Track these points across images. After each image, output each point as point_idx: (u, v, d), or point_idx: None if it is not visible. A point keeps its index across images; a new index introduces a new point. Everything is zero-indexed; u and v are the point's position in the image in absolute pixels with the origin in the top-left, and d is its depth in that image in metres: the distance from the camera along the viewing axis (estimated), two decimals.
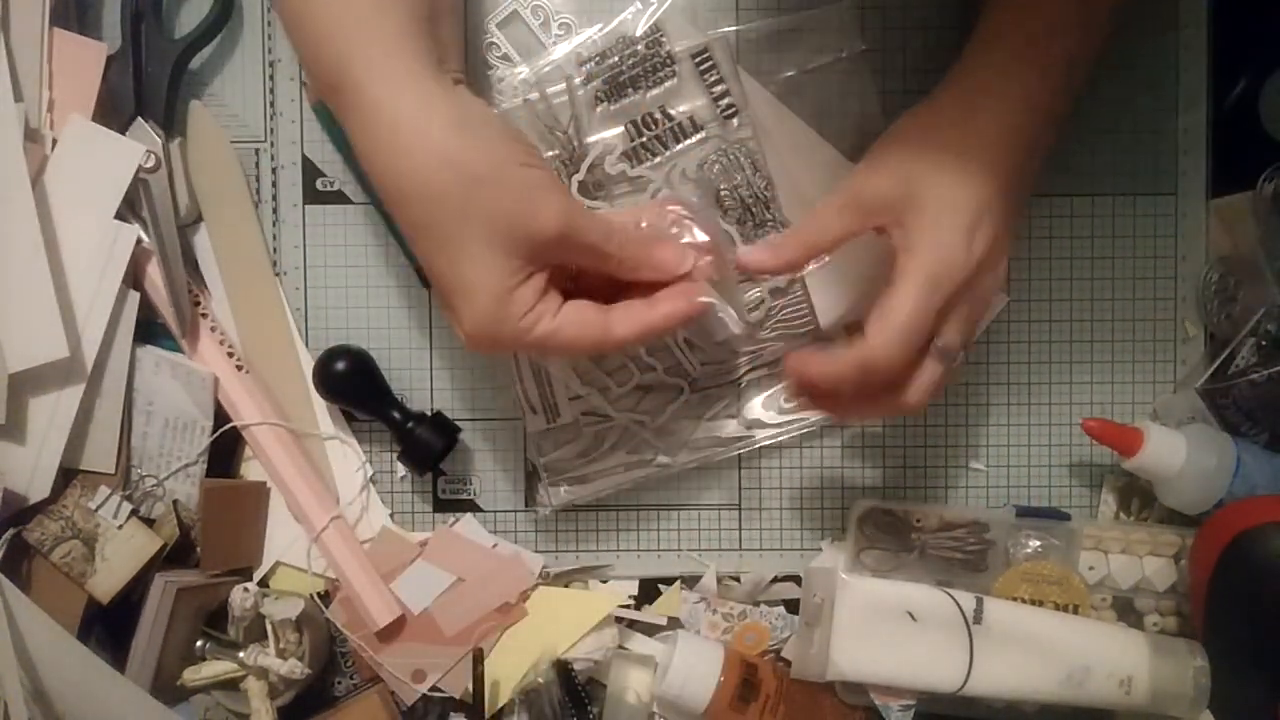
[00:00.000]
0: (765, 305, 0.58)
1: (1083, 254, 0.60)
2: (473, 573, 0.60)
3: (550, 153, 0.57)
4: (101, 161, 0.56)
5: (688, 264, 0.50)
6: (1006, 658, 0.55)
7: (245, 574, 0.60)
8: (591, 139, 0.57)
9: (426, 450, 0.58)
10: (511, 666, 0.58)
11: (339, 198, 0.60)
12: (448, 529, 0.61)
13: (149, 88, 0.57)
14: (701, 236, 0.52)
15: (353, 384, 0.58)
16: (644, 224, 0.52)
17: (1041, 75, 0.50)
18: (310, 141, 0.60)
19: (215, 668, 0.56)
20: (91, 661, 0.53)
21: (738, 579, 0.62)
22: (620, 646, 0.60)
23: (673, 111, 0.57)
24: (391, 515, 0.61)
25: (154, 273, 0.57)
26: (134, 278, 0.57)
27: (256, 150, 0.60)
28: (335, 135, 0.59)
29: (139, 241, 0.57)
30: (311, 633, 0.57)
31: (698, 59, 0.57)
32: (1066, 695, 0.55)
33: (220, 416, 0.59)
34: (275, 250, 0.60)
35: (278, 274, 0.60)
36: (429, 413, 0.59)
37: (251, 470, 0.60)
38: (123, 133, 0.56)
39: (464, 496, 0.62)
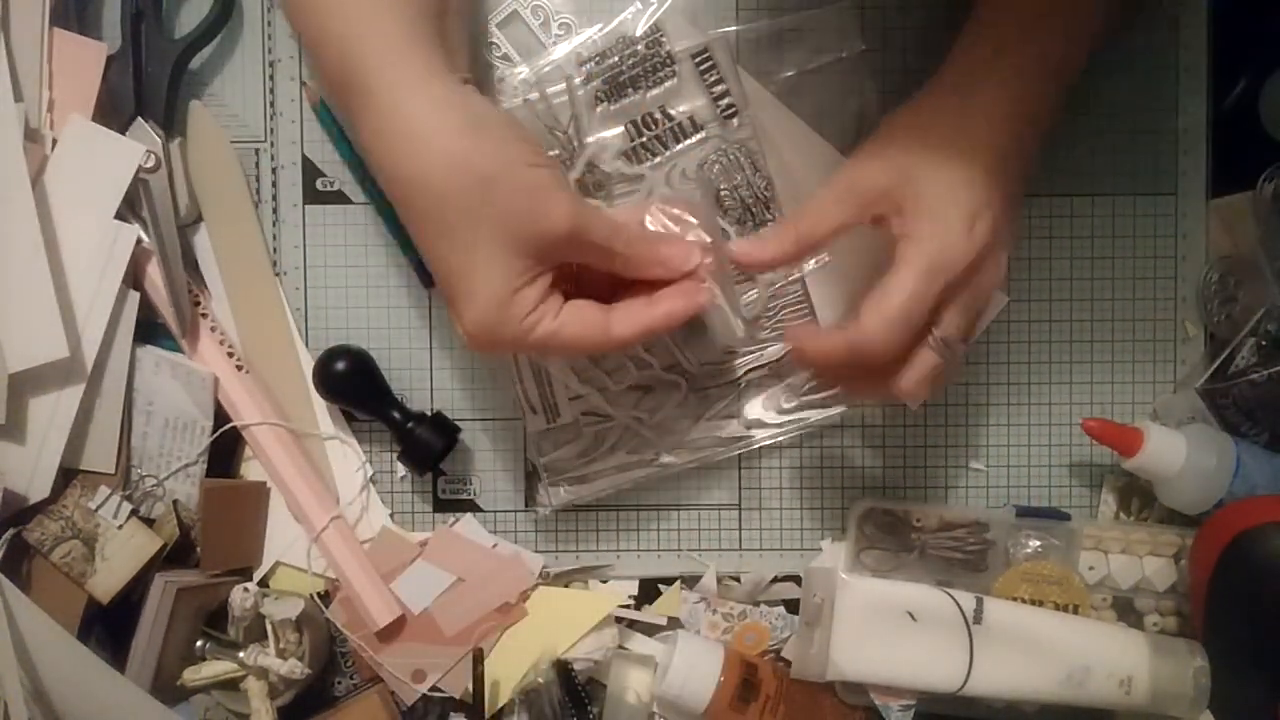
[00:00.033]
0: (762, 301, 0.58)
1: (1083, 254, 0.60)
2: (473, 573, 0.60)
3: (551, 153, 0.57)
4: (101, 161, 0.56)
5: (695, 260, 0.50)
6: (1006, 658, 0.55)
7: (245, 574, 0.60)
8: (591, 139, 0.57)
9: (426, 450, 0.58)
10: (511, 666, 0.58)
11: (339, 198, 0.60)
12: (448, 529, 0.61)
13: (149, 88, 0.57)
14: (702, 236, 0.52)
15: (353, 384, 0.58)
16: (648, 222, 0.52)
17: (1031, 65, 0.50)
18: (310, 141, 0.60)
19: (215, 668, 0.56)
20: (91, 661, 0.53)
21: (738, 579, 0.62)
22: (620, 646, 0.60)
23: (673, 111, 0.57)
24: (391, 515, 0.61)
25: (154, 273, 0.57)
26: (134, 278, 0.57)
27: (256, 150, 0.60)
28: (335, 135, 0.59)
29: (139, 241, 0.57)
30: (311, 633, 0.57)
31: (698, 59, 0.57)
32: (1066, 695, 0.55)
33: (220, 416, 0.59)
34: (275, 250, 0.60)
35: (278, 274, 0.60)
36: (429, 413, 0.59)
37: (251, 470, 0.60)
38: (123, 133, 0.56)
39: (464, 496, 0.62)
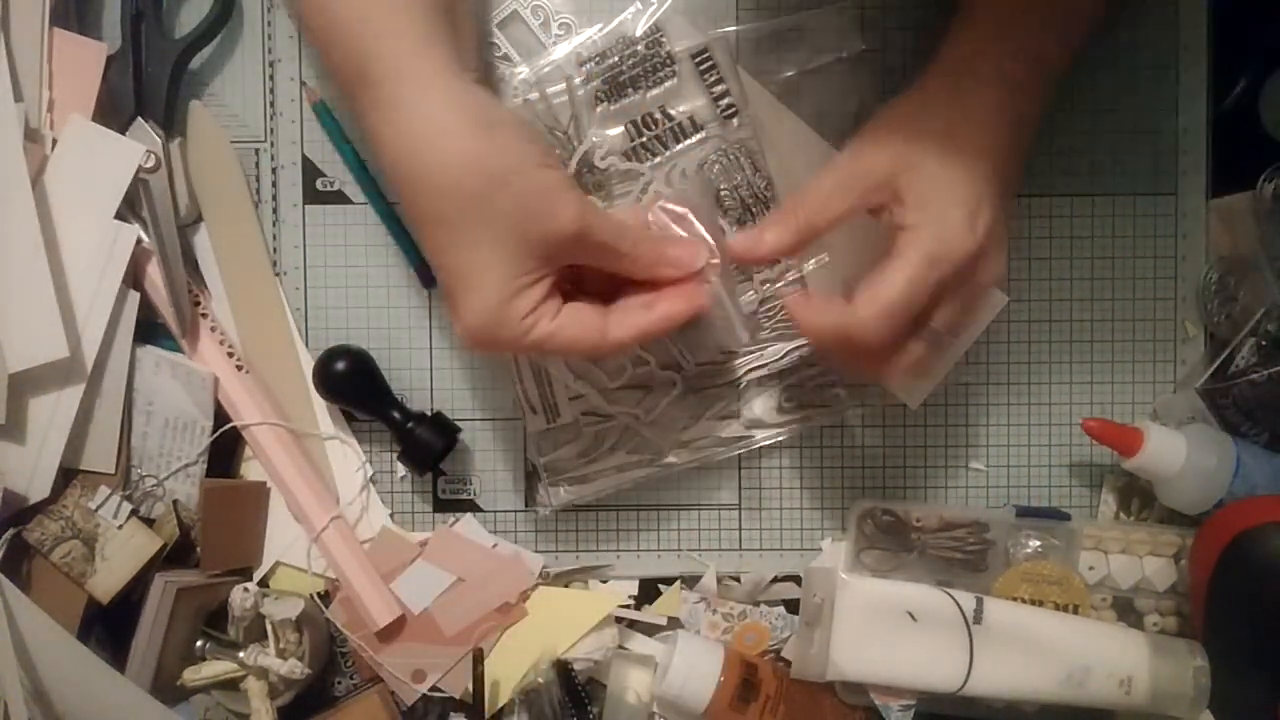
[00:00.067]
0: (757, 299, 0.58)
1: (1083, 254, 0.60)
2: (473, 573, 0.60)
3: None
4: (101, 161, 0.56)
5: (703, 260, 0.50)
6: (1006, 658, 0.55)
7: (245, 574, 0.60)
8: (590, 139, 0.57)
9: (426, 450, 0.58)
10: (511, 666, 0.58)
11: (339, 198, 0.60)
12: (448, 529, 0.61)
13: (149, 88, 0.57)
14: (704, 234, 0.52)
15: (353, 384, 0.58)
16: (651, 221, 0.52)
17: (1016, 63, 0.50)
18: (310, 141, 0.60)
19: (215, 668, 0.56)
20: (91, 661, 0.53)
21: (738, 579, 0.62)
22: (620, 646, 0.60)
23: (673, 111, 0.57)
24: (391, 515, 0.61)
25: (154, 273, 0.57)
26: (134, 278, 0.57)
27: (256, 150, 0.60)
28: (335, 135, 0.59)
29: (139, 241, 0.57)
30: (311, 633, 0.57)
31: (698, 59, 0.57)
32: (1066, 695, 0.55)
33: (220, 416, 0.59)
34: (275, 250, 0.60)
35: (278, 274, 0.60)
36: (429, 413, 0.59)
37: (251, 470, 0.60)
38: (123, 133, 0.56)
39: (464, 496, 0.62)
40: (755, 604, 0.61)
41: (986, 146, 0.49)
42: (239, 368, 0.59)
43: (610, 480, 0.60)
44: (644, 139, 0.57)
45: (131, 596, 0.56)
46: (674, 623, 0.61)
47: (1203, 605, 0.55)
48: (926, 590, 0.57)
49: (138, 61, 0.57)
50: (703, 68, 0.57)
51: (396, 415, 0.58)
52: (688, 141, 0.57)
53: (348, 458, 0.61)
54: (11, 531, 0.55)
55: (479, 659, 0.57)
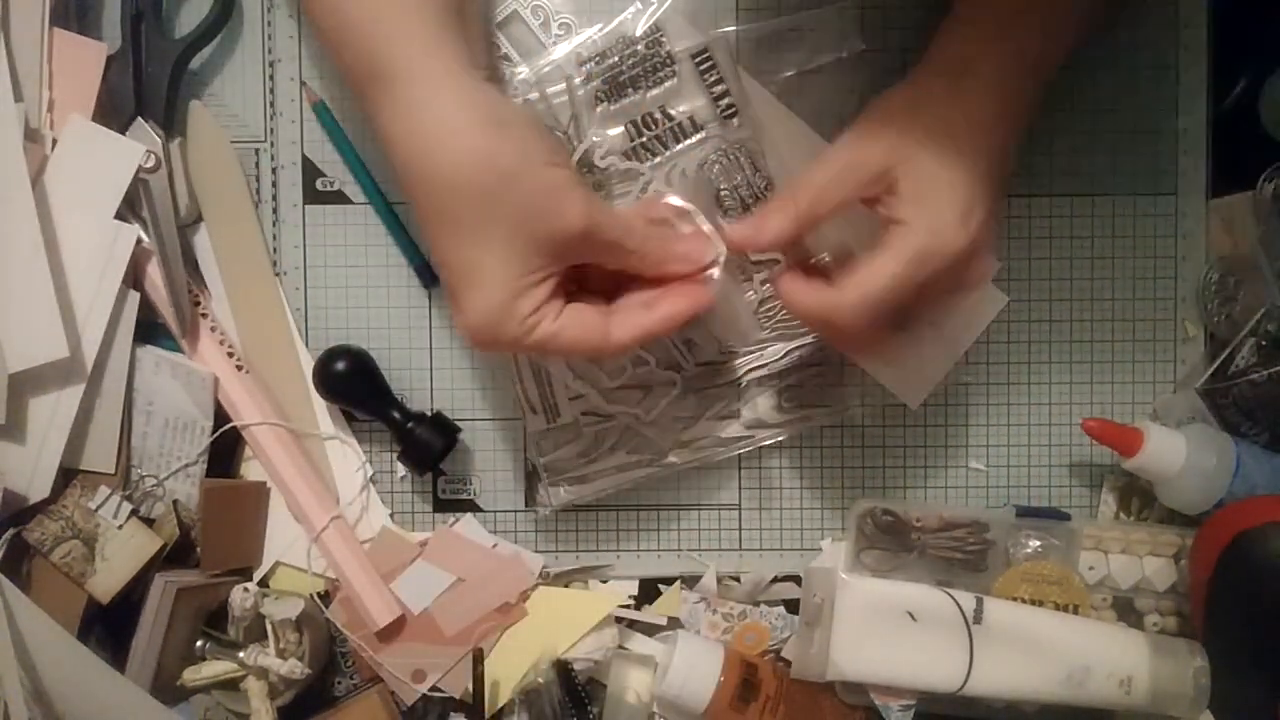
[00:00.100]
0: (757, 299, 0.58)
1: (1083, 254, 0.60)
2: (473, 573, 0.60)
3: None
4: (101, 161, 0.56)
5: (712, 254, 0.50)
6: (1006, 658, 0.55)
7: (245, 574, 0.60)
8: (591, 139, 0.57)
9: (426, 450, 0.58)
10: (511, 666, 0.58)
11: (339, 198, 0.60)
12: (448, 529, 0.61)
13: (149, 88, 0.57)
14: (707, 226, 0.52)
15: (353, 384, 0.58)
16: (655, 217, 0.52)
17: (1010, 62, 0.50)
18: (310, 141, 0.60)
19: (215, 668, 0.56)
20: (91, 661, 0.53)
21: (738, 579, 0.62)
22: (620, 646, 0.60)
23: (673, 111, 0.57)
24: (391, 515, 0.61)
25: (154, 273, 0.57)
26: (134, 278, 0.57)
27: (256, 150, 0.60)
28: (335, 135, 0.59)
29: (139, 241, 0.57)
30: (311, 633, 0.57)
31: (698, 59, 0.57)
32: (1066, 695, 0.55)
33: (220, 416, 0.59)
34: (275, 250, 0.60)
35: (278, 274, 0.60)
36: (429, 413, 0.59)
37: (251, 470, 0.60)
38: (123, 133, 0.56)
39: (464, 496, 0.62)
40: (755, 604, 0.61)
41: (983, 147, 0.49)
42: (239, 368, 0.59)
43: (610, 480, 0.60)
44: (644, 139, 0.57)
45: (131, 596, 0.56)
46: (674, 623, 0.61)
47: (1203, 605, 0.55)
48: (926, 590, 0.57)
49: (138, 61, 0.57)
50: (703, 68, 0.57)
51: (396, 415, 0.58)
52: (688, 141, 0.57)
53: (348, 458, 0.61)
54: (11, 531, 0.55)
55: (479, 659, 0.57)
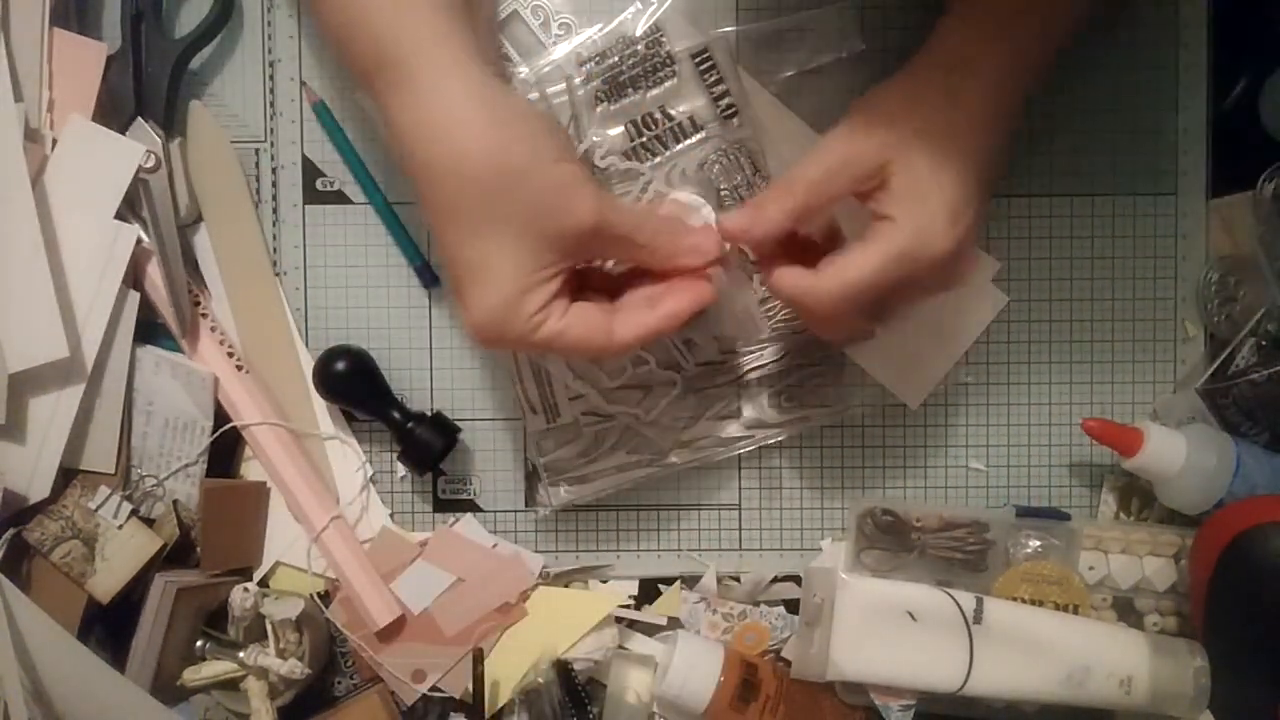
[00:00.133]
0: (757, 298, 0.58)
1: (1083, 254, 0.60)
2: (473, 573, 0.60)
3: None
4: (101, 161, 0.56)
5: (724, 245, 0.50)
6: (1006, 658, 0.55)
7: (245, 574, 0.60)
8: (591, 139, 0.57)
9: (426, 450, 0.58)
10: (511, 666, 0.58)
11: (339, 198, 0.60)
12: (448, 529, 0.61)
13: (149, 88, 0.57)
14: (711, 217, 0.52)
15: (353, 384, 0.58)
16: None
17: (1020, 55, 0.50)
18: (310, 141, 0.60)
19: (215, 668, 0.56)
20: (91, 661, 0.53)
21: (738, 579, 0.62)
22: (620, 646, 0.60)
23: (673, 111, 0.57)
24: (391, 515, 0.61)
25: (154, 273, 0.57)
26: (134, 278, 0.57)
27: (256, 150, 0.60)
28: (335, 135, 0.59)
29: (139, 241, 0.57)
30: (311, 633, 0.57)
31: (698, 59, 0.57)
32: (1066, 695, 0.55)
33: (220, 416, 0.59)
34: (275, 250, 0.60)
35: (278, 274, 0.60)
36: (429, 413, 0.59)
37: (251, 470, 0.60)
38: (123, 133, 0.56)
39: (464, 496, 0.62)
40: (755, 604, 0.61)
41: (978, 149, 0.49)
42: (239, 368, 0.59)
43: (610, 480, 0.60)
44: (644, 139, 0.57)
45: (131, 596, 0.56)
46: (674, 623, 0.61)
47: (1203, 605, 0.55)
48: (926, 590, 0.57)
49: (138, 61, 0.57)
50: (703, 68, 0.57)
51: (396, 415, 0.58)
52: (688, 141, 0.57)
53: (348, 458, 0.61)
54: (11, 531, 0.55)
55: (479, 659, 0.57)
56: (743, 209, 0.49)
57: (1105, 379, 0.61)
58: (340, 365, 0.58)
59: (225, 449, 0.60)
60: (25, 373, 0.54)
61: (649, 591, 0.61)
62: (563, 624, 0.59)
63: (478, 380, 0.61)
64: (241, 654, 0.56)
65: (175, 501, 0.58)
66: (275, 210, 0.60)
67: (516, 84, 0.58)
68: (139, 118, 0.57)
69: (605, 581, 0.62)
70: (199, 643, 0.57)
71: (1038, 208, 0.60)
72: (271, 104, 0.60)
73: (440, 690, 0.59)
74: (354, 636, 0.59)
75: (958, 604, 0.56)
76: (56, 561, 0.55)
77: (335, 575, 0.59)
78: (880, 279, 0.48)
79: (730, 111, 0.57)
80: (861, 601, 0.56)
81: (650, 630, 0.61)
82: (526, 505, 0.62)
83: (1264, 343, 0.57)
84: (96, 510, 0.56)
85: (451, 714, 0.60)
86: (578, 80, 0.57)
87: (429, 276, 0.60)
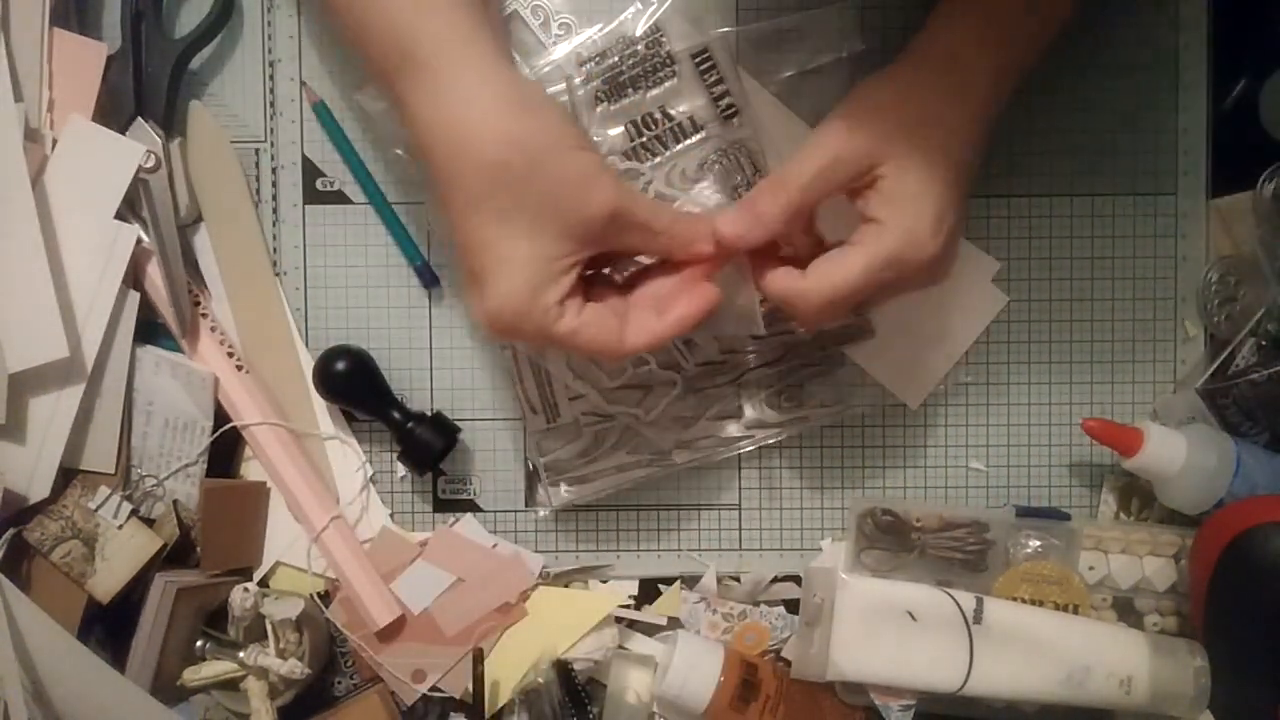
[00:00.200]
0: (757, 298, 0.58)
1: (1083, 254, 0.60)
2: (473, 573, 0.60)
3: None
4: (101, 161, 0.56)
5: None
6: (1006, 658, 0.55)
7: (245, 574, 0.60)
8: (592, 138, 0.57)
9: (426, 450, 0.58)
10: (511, 666, 0.58)
11: (339, 198, 0.60)
12: (448, 529, 0.61)
13: (149, 88, 0.57)
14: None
15: (353, 384, 0.58)
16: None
17: (1006, 43, 0.50)
18: (310, 141, 0.60)
19: (215, 668, 0.56)
20: (91, 661, 0.53)
21: (738, 579, 0.62)
22: (620, 646, 0.60)
23: (673, 111, 0.57)
24: (391, 515, 0.61)
25: (154, 273, 0.57)
26: (134, 278, 0.57)
27: (256, 150, 0.60)
28: (335, 135, 0.59)
29: (139, 241, 0.57)
30: (311, 633, 0.57)
31: (698, 59, 0.57)
32: (1066, 695, 0.55)
33: (220, 416, 0.59)
34: (275, 250, 0.60)
35: (278, 274, 0.60)
36: (429, 413, 0.59)
37: (251, 470, 0.60)
38: (123, 133, 0.56)
39: (464, 496, 0.62)
40: (755, 604, 0.61)
41: (964, 152, 0.49)
42: (239, 368, 0.59)
43: (610, 480, 0.60)
44: (644, 139, 0.57)
45: (131, 596, 0.56)
46: (674, 623, 0.61)
47: (1203, 605, 0.55)
48: (926, 590, 0.57)
49: (138, 61, 0.57)
50: (703, 68, 0.57)
51: (396, 415, 0.58)
52: (688, 141, 0.57)
53: (348, 458, 0.61)
54: (11, 531, 0.55)
55: (479, 659, 0.57)
56: (738, 211, 0.49)
57: (1105, 379, 0.61)
58: (340, 365, 0.58)
59: (225, 449, 0.60)
60: (25, 373, 0.54)
61: (649, 591, 0.61)
62: (563, 624, 0.59)
63: (478, 380, 0.61)
64: (241, 654, 0.55)
65: (175, 501, 0.58)
66: (275, 210, 0.60)
67: None
68: (139, 118, 0.57)
69: (605, 581, 0.62)
70: (199, 643, 0.57)
71: (1038, 208, 0.60)
72: (271, 104, 0.60)
73: (440, 690, 0.59)
74: (354, 636, 0.59)
75: (958, 604, 0.56)
76: (56, 561, 0.55)
77: (335, 575, 0.59)
78: (867, 282, 0.48)
79: (730, 111, 0.57)
80: (861, 601, 0.56)
81: (650, 630, 0.61)
82: (526, 505, 0.62)
83: (1264, 343, 0.57)
84: (96, 510, 0.56)
85: (451, 714, 0.60)
86: (578, 80, 0.57)
87: (429, 276, 0.60)
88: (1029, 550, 0.58)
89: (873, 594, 0.56)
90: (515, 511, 0.62)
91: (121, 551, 0.56)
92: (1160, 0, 0.59)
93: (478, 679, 0.57)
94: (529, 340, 0.48)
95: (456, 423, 0.59)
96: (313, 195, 0.60)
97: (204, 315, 0.59)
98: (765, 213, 0.49)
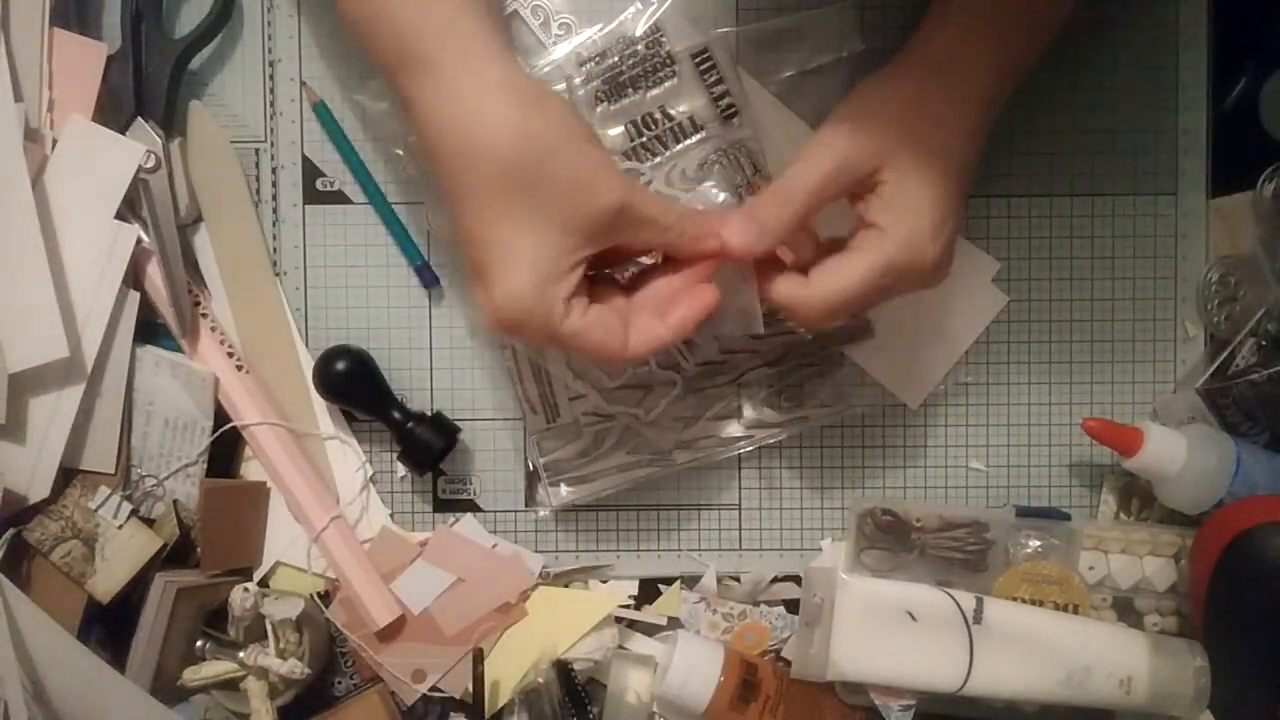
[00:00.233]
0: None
1: (1083, 254, 0.60)
2: (473, 573, 0.60)
3: None
4: (101, 161, 0.56)
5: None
6: (1006, 658, 0.55)
7: (245, 574, 0.60)
8: None
9: (426, 450, 0.58)
10: (511, 666, 0.58)
11: (339, 198, 0.60)
12: (448, 529, 0.61)
13: (149, 88, 0.57)
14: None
15: (353, 384, 0.58)
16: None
17: (1009, 49, 0.50)
18: (310, 141, 0.60)
19: (215, 668, 0.56)
20: (91, 661, 0.53)
21: (738, 579, 0.62)
22: (620, 646, 0.60)
23: (673, 111, 0.57)
24: (391, 515, 0.61)
25: (154, 273, 0.57)
26: (134, 278, 0.57)
27: (256, 150, 0.60)
28: (335, 135, 0.59)
29: (139, 241, 0.57)
30: (311, 633, 0.57)
31: (698, 59, 0.57)
32: (1066, 695, 0.55)
33: (220, 416, 0.59)
34: (275, 250, 0.60)
35: (278, 274, 0.60)
36: (429, 413, 0.59)
37: (251, 470, 0.60)
38: (123, 133, 0.56)
39: (464, 496, 0.62)
40: (755, 604, 0.61)
41: (964, 157, 0.50)
42: (239, 368, 0.59)
43: (610, 480, 0.60)
44: (644, 139, 0.57)
45: (131, 596, 0.56)
46: (674, 623, 0.61)
47: (1203, 605, 0.55)
48: (926, 590, 0.57)
49: (138, 61, 0.57)
50: (703, 68, 0.57)
51: (396, 415, 0.58)
52: (688, 141, 0.57)
53: (348, 458, 0.61)
54: (11, 531, 0.55)
55: (479, 659, 0.57)
56: (743, 223, 0.49)
57: (1105, 379, 0.61)
58: (340, 365, 0.58)
59: (225, 449, 0.60)
60: (25, 373, 0.54)
61: (649, 591, 0.61)
62: (563, 624, 0.59)
63: (478, 380, 0.61)
64: (241, 654, 0.55)
65: (175, 501, 0.58)
66: (275, 210, 0.60)
67: None
68: (139, 118, 0.57)
69: (605, 581, 0.62)
70: (199, 643, 0.57)
71: (1038, 208, 0.60)
72: (271, 104, 0.60)
73: (440, 690, 0.59)
74: (354, 636, 0.59)
75: (958, 604, 0.56)
76: (56, 561, 0.55)
77: (335, 575, 0.59)
78: (868, 288, 0.48)
79: (730, 111, 0.57)
80: (861, 601, 0.56)
81: (650, 630, 0.61)
82: (526, 505, 0.62)
83: (1264, 343, 0.57)
84: (96, 510, 0.56)
85: (451, 714, 0.60)
86: (578, 80, 0.57)
87: (429, 276, 0.60)
88: (1029, 550, 0.58)
89: (873, 594, 0.56)
90: (515, 511, 0.62)
91: (121, 551, 0.56)
92: (1160, 0, 0.59)
93: (478, 679, 0.57)
94: (534, 337, 0.47)
95: (456, 423, 0.59)
96: (313, 195, 0.60)
97: (204, 315, 0.59)
98: (771, 224, 0.48)
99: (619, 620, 0.60)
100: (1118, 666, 0.55)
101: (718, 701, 0.55)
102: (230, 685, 0.57)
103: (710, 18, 0.58)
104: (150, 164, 0.56)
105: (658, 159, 0.57)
